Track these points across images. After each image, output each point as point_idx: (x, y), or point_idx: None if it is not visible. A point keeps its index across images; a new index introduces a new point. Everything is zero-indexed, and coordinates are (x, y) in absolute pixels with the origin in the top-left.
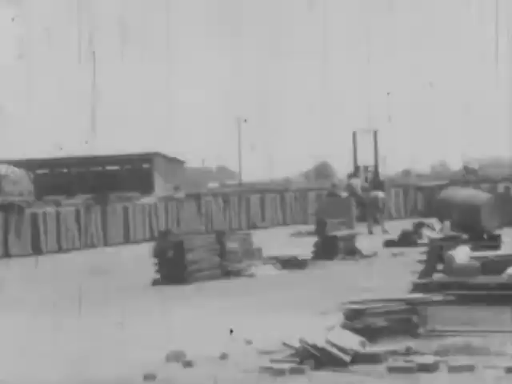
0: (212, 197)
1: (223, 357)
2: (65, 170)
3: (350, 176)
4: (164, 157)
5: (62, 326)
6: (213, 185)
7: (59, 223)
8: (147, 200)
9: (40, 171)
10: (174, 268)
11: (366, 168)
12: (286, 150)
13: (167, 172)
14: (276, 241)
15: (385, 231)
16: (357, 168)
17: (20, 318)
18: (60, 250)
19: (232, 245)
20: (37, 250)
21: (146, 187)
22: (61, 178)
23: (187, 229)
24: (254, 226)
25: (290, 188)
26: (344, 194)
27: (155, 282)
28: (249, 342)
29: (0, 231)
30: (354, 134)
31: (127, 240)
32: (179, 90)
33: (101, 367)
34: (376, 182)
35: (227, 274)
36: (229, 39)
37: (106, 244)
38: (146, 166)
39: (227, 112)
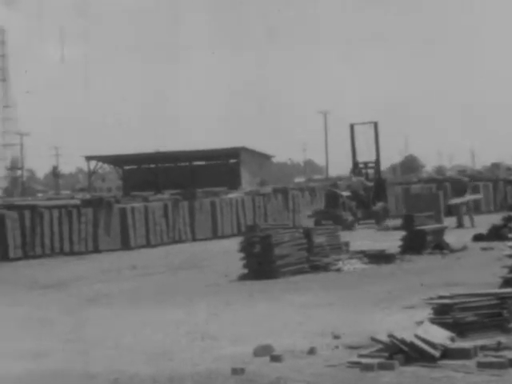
0: (299, 191)
1: (311, 351)
2: (152, 166)
3: (355, 173)
4: (251, 151)
5: (151, 320)
6: (300, 179)
7: (147, 218)
8: (234, 195)
9: (128, 167)
10: (261, 263)
11: (365, 164)
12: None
13: (254, 167)
14: (363, 235)
15: (471, 225)
16: (355, 164)
17: (110, 312)
18: (148, 244)
19: (319, 239)
20: (125, 245)
21: (233, 182)
22: (148, 173)
23: (274, 223)
24: None
25: None
26: (345, 194)
27: (243, 277)
28: (337, 337)
29: (90, 227)
30: (352, 127)
31: (215, 235)
32: (266, 84)
33: (189, 361)
34: (377, 180)
35: (314, 268)
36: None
37: (193, 239)
38: (232, 160)
39: (312, 106)
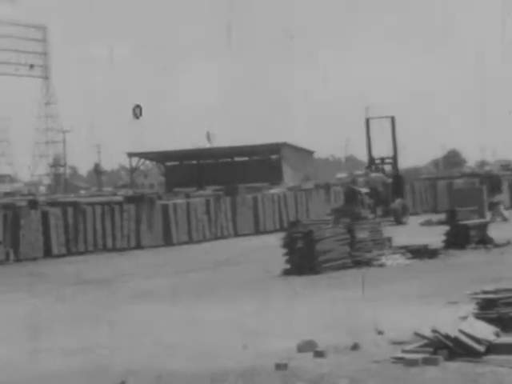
0: (341, 187)
1: (355, 347)
2: (194, 162)
3: (371, 169)
4: (292, 147)
5: (194, 316)
6: (341, 175)
7: (189, 215)
8: (276, 190)
9: (170, 163)
10: (303, 258)
11: (382, 160)
12: (415, 138)
13: (296, 162)
14: (406, 230)
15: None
16: (371, 160)
17: (153, 308)
18: (190, 241)
19: (361, 234)
20: (168, 241)
21: (275, 178)
22: (190, 169)
23: (317, 219)
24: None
25: (419, 177)
26: (364, 190)
27: (285, 272)
28: (380, 332)
29: (132, 223)
30: (367, 122)
31: (257, 230)
32: (309, 81)
33: (233, 356)
34: (395, 176)
35: (357, 263)
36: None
37: (235, 234)
38: (274, 156)
39: (355, 101)
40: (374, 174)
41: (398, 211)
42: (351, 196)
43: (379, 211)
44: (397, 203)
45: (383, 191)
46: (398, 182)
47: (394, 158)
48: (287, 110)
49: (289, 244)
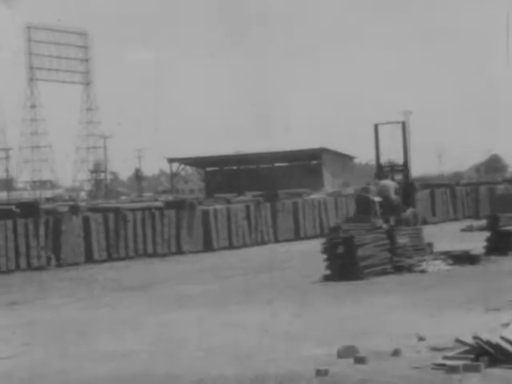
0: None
1: (395, 353)
2: (234, 168)
3: (379, 177)
4: (333, 152)
5: (234, 321)
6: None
7: (230, 220)
8: (316, 196)
9: (210, 169)
10: (344, 264)
11: (392, 167)
12: (456, 143)
13: (336, 168)
14: (447, 236)
15: None
16: (380, 167)
17: (193, 313)
18: (231, 246)
19: (402, 240)
20: (208, 246)
21: (315, 183)
22: (231, 175)
23: (357, 224)
24: (424, 221)
25: (460, 182)
26: (377, 199)
27: (326, 278)
28: (421, 339)
29: (172, 228)
30: (376, 127)
31: (297, 236)
32: (348, 85)
33: (273, 362)
34: (406, 184)
35: (398, 269)
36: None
37: (276, 240)
38: (314, 162)
39: (393, 106)
40: (385, 181)
41: (409, 221)
42: (364, 205)
43: (392, 221)
44: (408, 212)
45: (396, 199)
46: (409, 191)
47: (405, 165)
48: (330, 116)
49: (329, 250)
